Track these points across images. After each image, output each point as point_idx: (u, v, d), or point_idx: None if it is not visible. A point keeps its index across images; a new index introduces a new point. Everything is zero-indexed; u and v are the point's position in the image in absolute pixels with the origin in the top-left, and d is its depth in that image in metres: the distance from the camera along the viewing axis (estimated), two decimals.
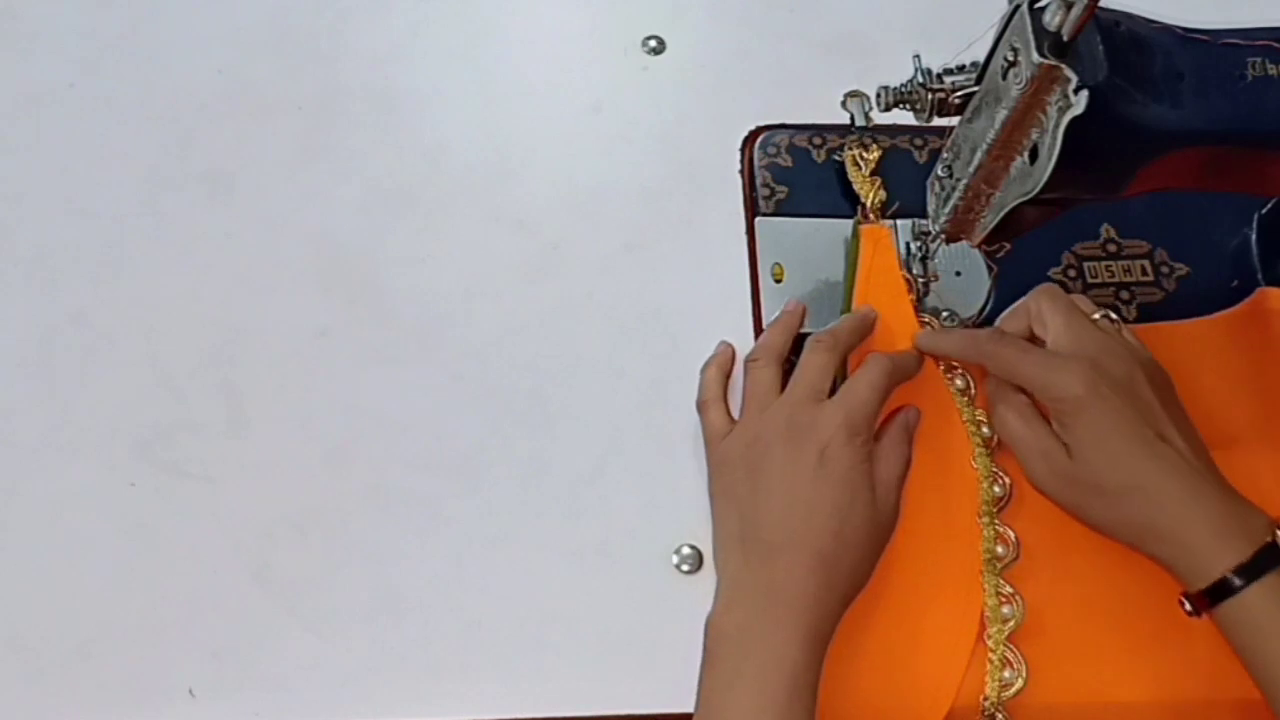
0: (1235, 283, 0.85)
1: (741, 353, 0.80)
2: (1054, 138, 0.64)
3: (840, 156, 0.87)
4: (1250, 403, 0.80)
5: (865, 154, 0.86)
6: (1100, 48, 0.64)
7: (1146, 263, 0.86)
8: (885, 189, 0.84)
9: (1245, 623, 0.68)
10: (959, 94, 0.70)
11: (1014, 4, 0.65)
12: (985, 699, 0.72)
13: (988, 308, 0.83)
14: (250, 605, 0.74)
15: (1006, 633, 0.73)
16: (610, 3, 0.95)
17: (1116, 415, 0.71)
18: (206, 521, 0.76)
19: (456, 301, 0.83)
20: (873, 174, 0.85)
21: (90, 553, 0.75)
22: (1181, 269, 0.86)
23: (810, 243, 0.84)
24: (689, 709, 0.69)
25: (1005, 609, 0.74)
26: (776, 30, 0.93)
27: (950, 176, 0.72)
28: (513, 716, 0.72)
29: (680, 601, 0.74)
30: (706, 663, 0.69)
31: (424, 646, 0.74)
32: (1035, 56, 0.63)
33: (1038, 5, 0.63)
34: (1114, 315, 0.77)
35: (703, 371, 0.80)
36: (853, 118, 0.84)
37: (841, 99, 0.86)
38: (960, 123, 0.71)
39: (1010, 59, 0.65)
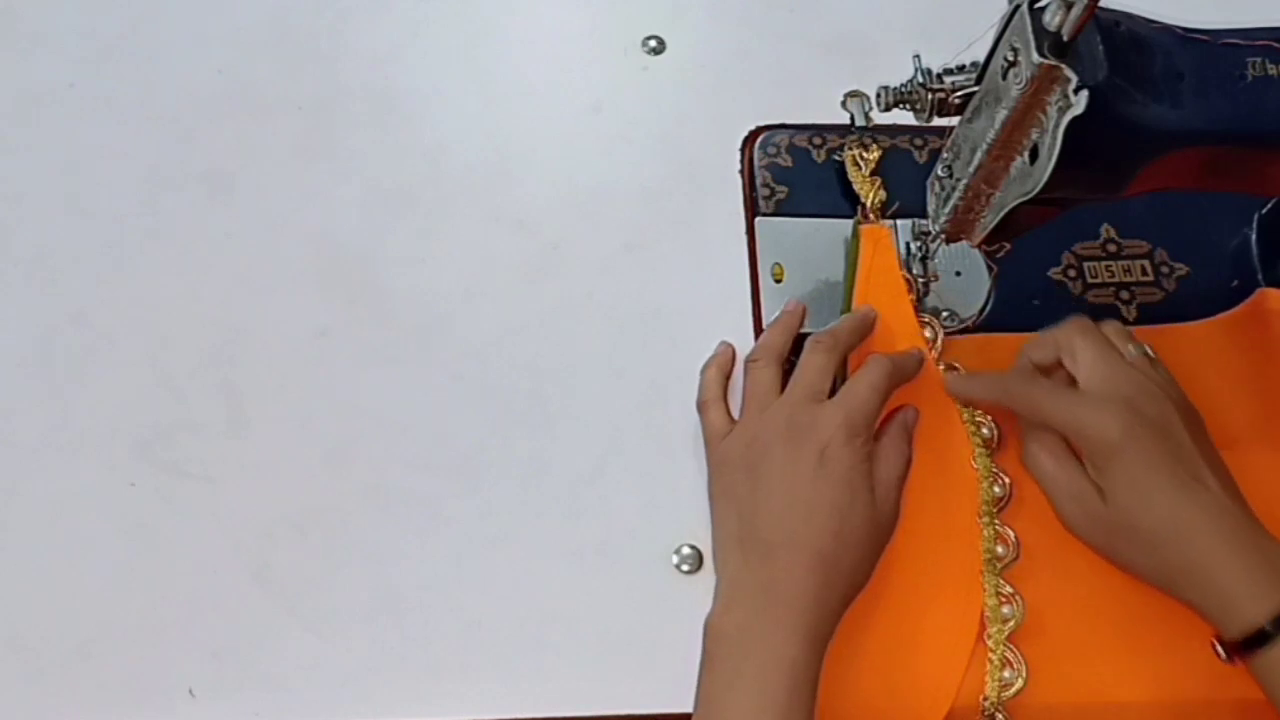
0: (1235, 283, 0.85)
1: (741, 353, 0.80)
2: (1054, 138, 0.64)
3: (840, 156, 0.87)
4: (1251, 403, 0.80)
5: (865, 154, 0.86)
6: (1100, 48, 0.64)
7: (1146, 263, 0.86)
8: (885, 189, 0.84)
9: None
10: (959, 94, 0.70)
11: (1014, 4, 0.65)
12: (985, 699, 0.72)
13: (988, 308, 0.83)
14: (250, 605, 0.74)
15: (1006, 633, 0.73)
16: (610, 3, 0.95)
17: (1152, 460, 0.70)
18: (206, 521, 0.76)
19: (456, 301, 0.83)
20: (873, 174, 0.85)
21: (90, 553, 0.75)
22: (1181, 269, 0.86)
23: (810, 243, 0.84)
24: (689, 709, 0.69)
25: (1005, 609, 0.74)
26: (776, 30, 0.93)
27: (950, 176, 0.72)
28: (513, 716, 0.72)
29: (680, 601, 0.74)
30: (706, 663, 0.69)
31: (424, 646, 0.74)
32: (1035, 56, 0.63)
33: (1038, 5, 0.63)
34: (1149, 350, 0.75)
35: (703, 371, 0.80)
36: (853, 118, 0.85)
37: (841, 99, 0.86)
38: (960, 123, 0.71)
39: (1010, 59, 0.65)
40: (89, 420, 0.78)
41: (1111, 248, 0.86)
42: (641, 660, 0.74)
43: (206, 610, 0.74)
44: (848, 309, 0.81)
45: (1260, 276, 0.85)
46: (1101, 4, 0.61)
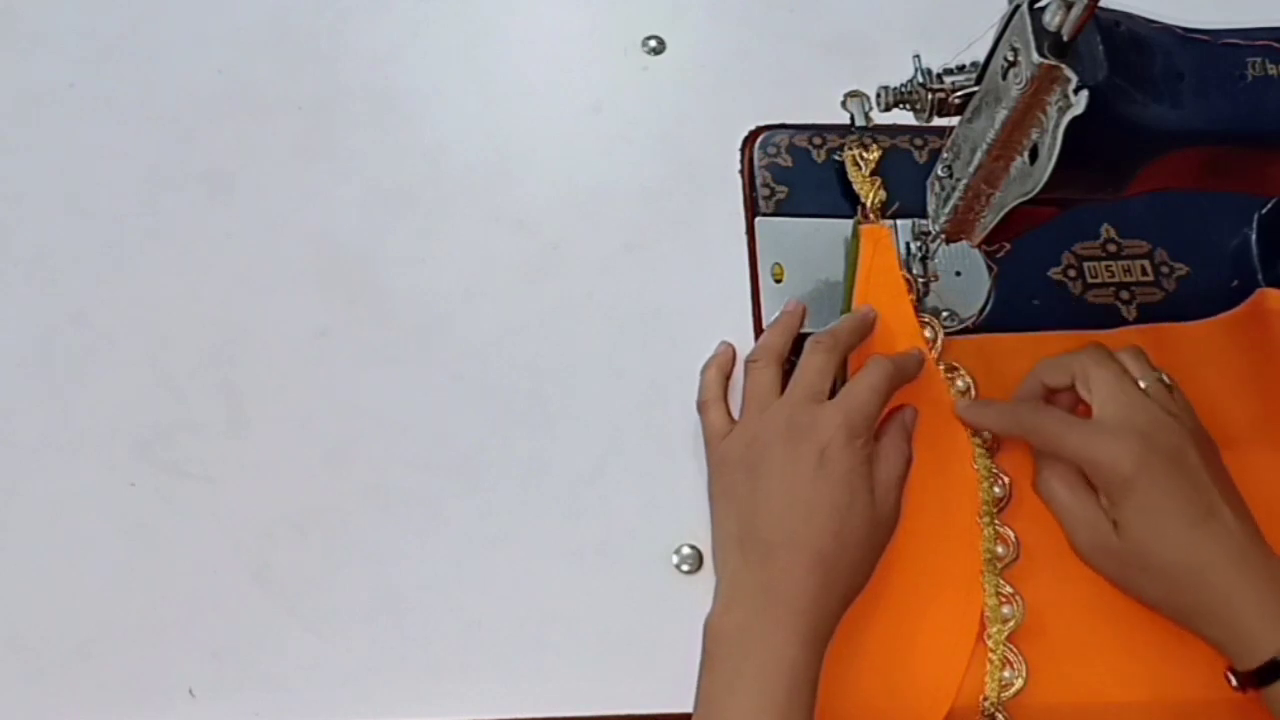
0: (1235, 283, 0.85)
1: (741, 353, 0.80)
2: (1054, 138, 0.64)
3: (840, 156, 0.87)
4: (1251, 403, 0.80)
5: (865, 154, 0.86)
6: (1100, 48, 0.64)
7: (1146, 263, 0.86)
8: (885, 189, 0.84)
9: None
10: (959, 94, 0.70)
11: (1014, 4, 0.65)
12: (985, 699, 0.72)
13: (988, 308, 0.83)
14: (250, 605, 0.74)
15: (1006, 633, 0.73)
16: (610, 3, 0.95)
17: (1166, 494, 0.70)
18: (206, 521, 0.76)
19: (456, 301, 0.83)
20: (873, 174, 0.85)
21: (90, 553, 0.75)
22: (1181, 269, 0.86)
23: (810, 243, 0.84)
24: (689, 709, 0.69)
25: (1005, 609, 0.74)
26: (776, 30, 0.93)
27: (950, 176, 0.72)
28: (513, 716, 0.72)
29: (680, 601, 0.74)
30: (706, 663, 0.69)
31: (424, 646, 0.74)
32: (1035, 56, 0.63)
33: (1038, 5, 0.63)
34: (1165, 377, 0.75)
35: (703, 372, 0.80)
36: (853, 118, 0.84)
37: (841, 99, 0.86)
38: (960, 123, 0.71)
39: (1010, 59, 0.65)
40: (89, 420, 0.78)
41: (1111, 248, 0.86)
42: (641, 660, 0.74)
43: (206, 610, 0.74)
44: (848, 309, 0.81)
45: (1260, 276, 0.85)
46: (1101, 4, 0.61)
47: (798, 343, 0.78)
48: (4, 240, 0.83)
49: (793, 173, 0.87)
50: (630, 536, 0.77)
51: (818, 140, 0.88)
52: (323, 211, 0.85)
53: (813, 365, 0.75)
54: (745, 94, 0.90)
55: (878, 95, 0.73)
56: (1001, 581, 0.75)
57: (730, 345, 0.81)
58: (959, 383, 0.80)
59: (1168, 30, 0.67)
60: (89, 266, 0.83)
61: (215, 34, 0.91)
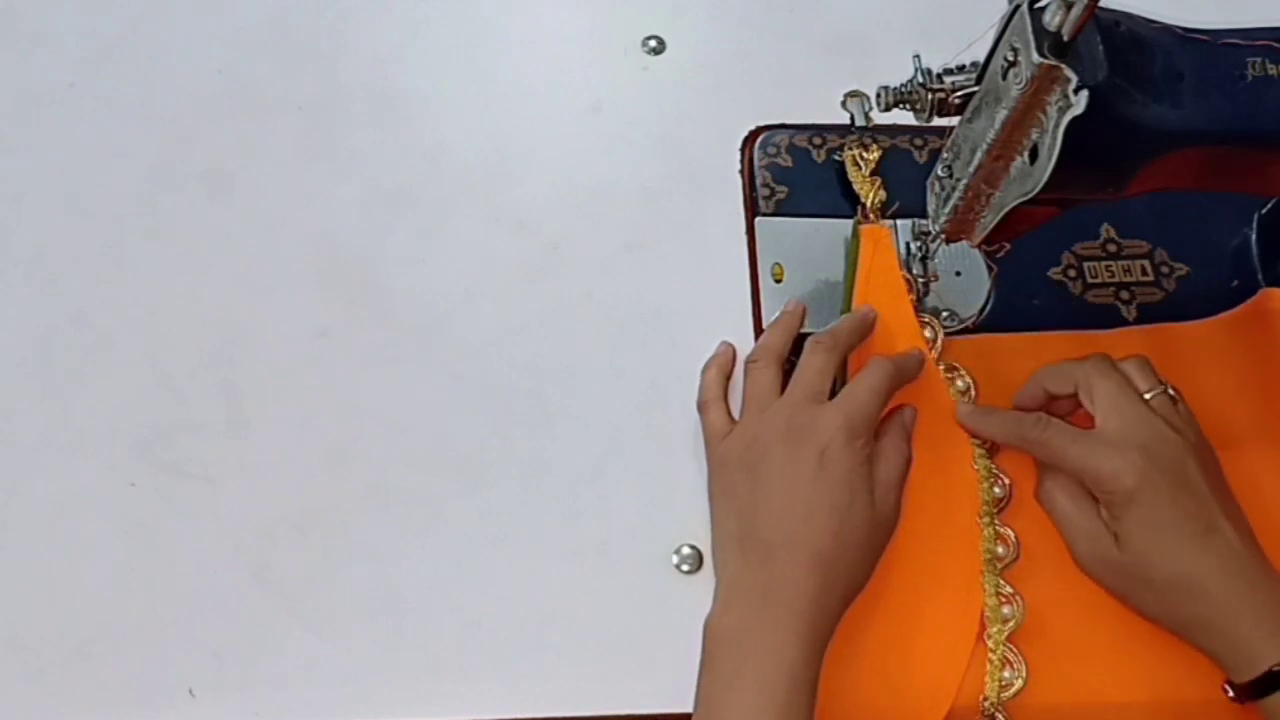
0: (1235, 283, 0.85)
1: (741, 353, 0.80)
2: (1054, 138, 0.64)
3: (840, 156, 0.87)
4: (1251, 403, 0.80)
5: (865, 154, 0.86)
6: (1100, 48, 0.64)
7: (1146, 263, 0.86)
8: (885, 189, 0.84)
9: None
10: (959, 94, 0.70)
11: (1014, 4, 0.65)
12: (985, 699, 0.72)
13: (988, 308, 0.83)
14: (250, 605, 0.74)
15: (1006, 633, 0.73)
16: (610, 3, 0.95)
17: (1168, 509, 0.70)
18: (206, 521, 0.76)
19: (456, 301, 0.83)
20: (873, 174, 0.85)
21: (90, 553, 0.75)
22: (1181, 269, 0.86)
23: (810, 243, 0.84)
24: (689, 709, 0.69)
25: (1005, 609, 0.74)
26: (776, 30, 0.93)
27: (950, 176, 0.72)
28: (513, 716, 0.72)
29: (680, 601, 0.74)
30: (705, 663, 0.69)
31: (424, 646, 0.74)
32: (1035, 56, 0.63)
33: (1038, 5, 0.63)
34: (1170, 389, 0.75)
35: (703, 372, 0.80)
36: (853, 118, 0.84)
37: (841, 99, 0.86)
38: (960, 123, 0.71)
39: (1010, 59, 0.65)
40: (89, 420, 0.78)
41: (1111, 248, 0.86)
42: (641, 660, 0.74)
43: (206, 610, 0.74)
44: (848, 309, 0.81)
45: (1260, 276, 0.85)
46: (1101, 4, 0.61)
47: (798, 343, 0.78)
48: (4, 240, 0.83)
49: (793, 173, 0.87)
50: (630, 536, 0.77)
51: (818, 140, 0.88)
52: (323, 211, 0.85)
53: (813, 365, 0.75)
54: (745, 94, 0.90)
55: (878, 95, 0.73)
56: (1001, 581, 0.75)
57: (730, 345, 0.81)
58: (959, 383, 0.80)
59: (1168, 30, 0.67)
60: (89, 266, 0.83)
61: (215, 34, 0.91)
